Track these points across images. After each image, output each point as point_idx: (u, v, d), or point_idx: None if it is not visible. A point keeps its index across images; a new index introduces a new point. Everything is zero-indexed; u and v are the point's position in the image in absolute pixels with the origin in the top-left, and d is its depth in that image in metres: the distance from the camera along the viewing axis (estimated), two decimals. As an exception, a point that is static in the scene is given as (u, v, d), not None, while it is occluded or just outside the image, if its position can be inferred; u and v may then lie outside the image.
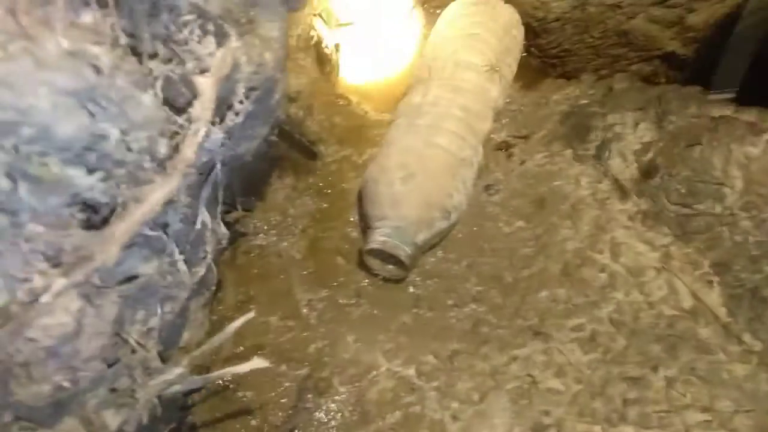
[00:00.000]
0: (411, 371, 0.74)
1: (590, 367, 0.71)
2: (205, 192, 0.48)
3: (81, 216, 0.31)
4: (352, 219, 0.88)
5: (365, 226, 0.84)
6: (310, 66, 0.93)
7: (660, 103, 0.87)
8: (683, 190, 0.78)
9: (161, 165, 0.34)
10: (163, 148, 0.33)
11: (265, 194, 0.85)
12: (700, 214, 0.76)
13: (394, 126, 0.86)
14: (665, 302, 0.74)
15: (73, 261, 0.31)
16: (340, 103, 0.95)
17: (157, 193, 0.34)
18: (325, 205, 0.88)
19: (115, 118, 0.29)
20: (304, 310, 0.80)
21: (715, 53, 0.88)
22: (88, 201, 0.31)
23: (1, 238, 0.27)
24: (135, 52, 0.32)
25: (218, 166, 0.47)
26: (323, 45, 0.94)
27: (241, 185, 0.71)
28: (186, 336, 0.60)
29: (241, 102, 0.45)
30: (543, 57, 1.07)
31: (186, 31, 0.37)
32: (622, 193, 0.83)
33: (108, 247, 0.32)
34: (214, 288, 0.65)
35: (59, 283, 0.31)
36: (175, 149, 0.36)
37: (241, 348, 0.76)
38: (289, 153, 0.87)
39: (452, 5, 0.96)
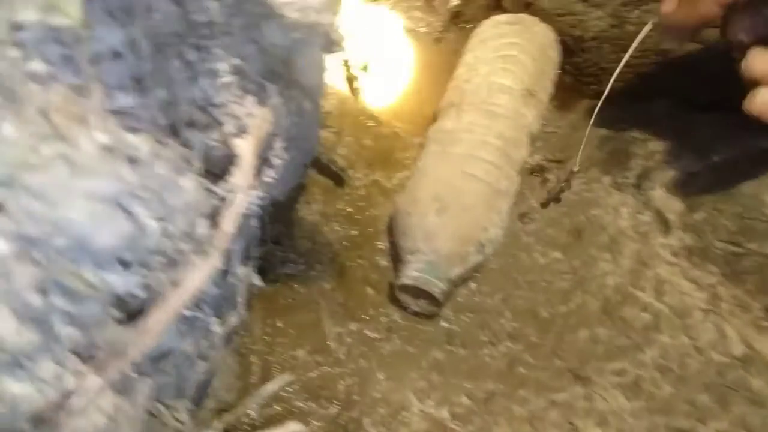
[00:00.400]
0: (444, 413, 0.72)
1: (634, 416, 0.68)
2: (239, 245, 0.45)
3: (116, 313, 0.28)
4: (381, 246, 0.85)
5: (396, 258, 0.81)
6: (335, 84, 0.90)
7: (705, 130, 0.83)
8: (732, 227, 0.74)
9: (200, 245, 0.31)
10: (202, 228, 0.31)
11: (293, 221, 0.83)
12: (751, 254, 0.72)
13: (426, 153, 0.82)
14: (714, 347, 0.70)
15: (106, 357, 0.28)
16: (369, 124, 0.92)
17: (196, 275, 0.31)
18: (354, 232, 0.85)
19: (155, 209, 0.27)
20: (333, 344, 0.77)
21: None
22: (124, 297, 0.28)
23: (31, 347, 0.25)
24: (173, 127, 0.29)
25: (252, 221, 0.44)
26: (350, 64, 0.91)
27: (269, 216, 0.69)
28: (215, 383, 0.57)
29: (279, 157, 0.42)
30: (578, 75, 1.03)
31: (225, 94, 0.34)
32: (665, 226, 0.79)
33: (144, 339, 0.29)
34: (246, 333, 0.63)
35: (93, 381, 0.28)
36: (214, 224, 0.33)
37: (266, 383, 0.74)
38: (317, 178, 0.84)
39: (485, 24, 0.92)
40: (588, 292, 0.78)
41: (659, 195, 0.81)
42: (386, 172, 0.90)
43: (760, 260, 0.71)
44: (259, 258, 0.62)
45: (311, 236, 0.83)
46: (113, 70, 0.24)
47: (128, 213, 0.25)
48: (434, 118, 0.89)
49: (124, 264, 0.27)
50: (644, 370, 0.70)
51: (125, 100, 0.25)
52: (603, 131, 0.90)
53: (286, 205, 0.81)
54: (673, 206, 0.79)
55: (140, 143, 0.25)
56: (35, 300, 0.24)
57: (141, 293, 0.29)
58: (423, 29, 1.04)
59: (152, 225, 0.27)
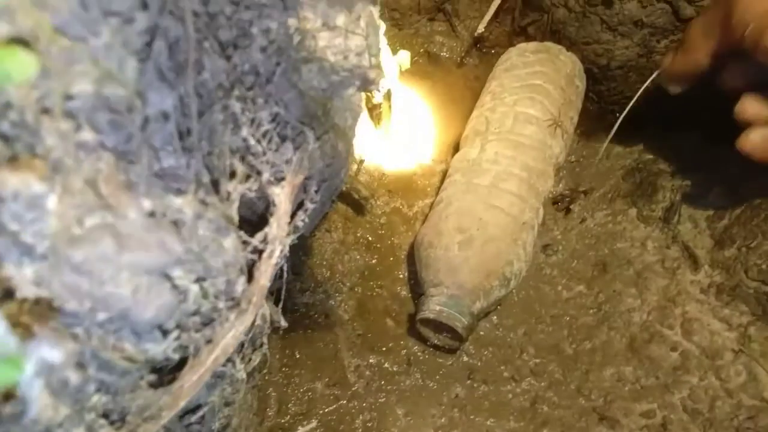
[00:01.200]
0: (465, 452, 0.70)
1: (662, 461, 0.66)
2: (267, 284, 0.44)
3: (150, 377, 0.27)
4: (401, 276, 0.84)
5: (417, 288, 0.80)
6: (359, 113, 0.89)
7: (735, 164, 0.81)
8: (763, 265, 0.72)
9: (236, 301, 0.30)
10: (240, 287, 0.29)
11: (312, 249, 0.81)
12: (785, 294, 0.70)
13: (450, 182, 0.81)
14: (745, 390, 0.68)
15: (139, 422, 0.27)
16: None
17: (231, 333, 0.30)
18: (374, 261, 0.84)
19: (196, 271, 0.26)
20: (352, 377, 0.75)
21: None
22: (160, 363, 0.27)
23: (64, 419, 0.24)
24: (215, 183, 0.28)
25: (283, 264, 0.43)
26: (372, 91, 0.90)
27: (290, 247, 0.67)
28: (234, 422, 0.56)
29: (312, 200, 0.41)
30: (603, 103, 1.02)
31: (264, 142, 0.33)
32: (694, 262, 0.77)
33: (177, 401, 0.28)
34: (265, 369, 0.61)
35: (123, 448, 0.27)
36: (250, 277, 0.32)
37: (287, 417, 0.72)
38: (337, 205, 0.83)
39: (511, 51, 0.91)
40: (614, 329, 0.76)
41: (687, 230, 0.79)
42: (407, 199, 0.89)
43: (794, 302, 0.69)
44: (280, 293, 0.60)
45: (330, 265, 0.81)
46: (161, 131, 0.23)
47: (171, 281, 0.24)
48: (458, 147, 0.88)
49: (163, 331, 0.25)
50: (673, 412, 0.68)
51: (172, 160, 0.24)
52: (629, 162, 0.89)
53: (306, 235, 0.79)
54: (701, 242, 0.78)
55: (184, 206, 0.24)
56: (74, 377, 0.22)
57: (176, 355, 0.27)
58: (445, 54, 1.03)
59: (193, 289, 0.26)
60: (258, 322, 0.45)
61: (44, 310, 0.20)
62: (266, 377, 0.74)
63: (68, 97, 0.19)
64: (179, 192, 0.24)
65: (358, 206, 0.84)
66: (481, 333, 0.79)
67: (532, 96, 0.83)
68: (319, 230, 0.82)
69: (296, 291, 0.79)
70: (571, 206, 0.88)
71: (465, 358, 0.77)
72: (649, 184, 0.85)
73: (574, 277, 0.82)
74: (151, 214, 0.23)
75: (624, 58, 0.91)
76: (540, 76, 0.84)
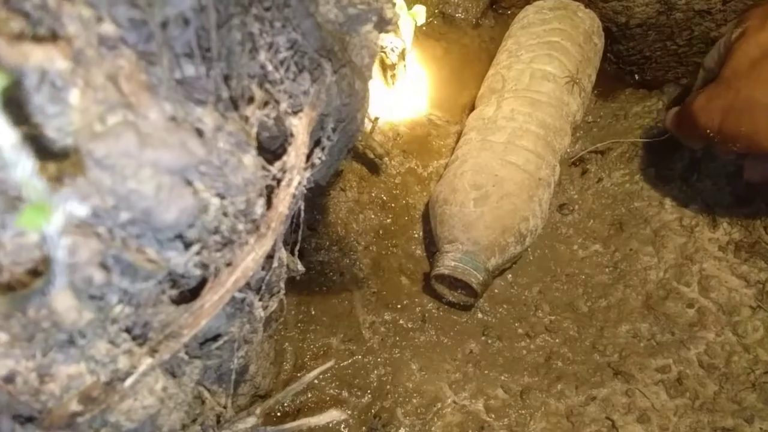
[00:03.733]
0: (479, 406, 0.70)
1: (677, 414, 0.66)
2: (283, 228, 0.44)
3: (172, 292, 0.27)
4: (416, 235, 0.84)
5: (432, 247, 0.80)
6: (374, 73, 0.88)
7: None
8: (785, 222, 0.71)
9: (255, 224, 0.30)
10: (259, 208, 0.29)
11: (327, 208, 0.81)
12: (805, 250, 0.69)
13: (465, 141, 0.80)
14: (762, 345, 0.68)
15: (160, 339, 0.27)
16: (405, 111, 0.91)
17: (251, 256, 0.30)
18: (388, 220, 0.84)
19: (216, 185, 0.26)
20: (367, 333, 0.76)
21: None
22: (181, 276, 0.27)
23: (87, 326, 0.24)
24: (234, 102, 0.28)
25: (300, 204, 0.43)
26: (387, 50, 0.89)
27: (305, 202, 0.67)
28: (252, 369, 0.56)
29: (329, 138, 0.41)
30: (620, 64, 1.00)
31: (282, 70, 0.32)
32: (713, 219, 0.76)
33: (198, 321, 0.28)
34: (281, 319, 0.62)
35: (145, 363, 0.27)
36: (268, 203, 0.32)
37: (303, 371, 0.73)
38: (352, 165, 0.83)
39: (527, 9, 0.90)
40: (629, 287, 0.76)
41: (707, 187, 0.78)
42: (422, 160, 0.88)
43: (815, 257, 0.69)
44: (297, 242, 0.61)
45: (345, 224, 0.81)
46: (182, 37, 0.23)
47: (192, 188, 0.24)
48: (473, 106, 0.87)
49: (185, 242, 0.26)
50: (688, 367, 0.68)
51: (192, 69, 0.24)
52: (647, 122, 0.88)
53: (321, 191, 0.80)
54: (721, 199, 0.77)
55: (205, 115, 0.24)
56: (97, 276, 0.22)
57: (197, 271, 0.28)
58: (461, 15, 1.01)
59: (214, 202, 0.26)
60: (275, 264, 0.45)
61: (75, 164, 0.20)
62: (282, 332, 0.74)
63: (89, -16, 0.19)
64: (199, 102, 0.24)
65: (372, 165, 0.84)
66: (496, 291, 0.79)
67: (549, 53, 0.81)
68: (334, 189, 0.82)
69: (311, 249, 0.79)
70: (588, 166, 0.87)
71: (479, 315, 0.77)
72: (668, 143, 0.84)
73: (590, 237, 0.82)
74: (173, 118, 0.23)
75: (644, 16, 0.89)
76: (557, 33, 0.83)
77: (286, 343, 0.74)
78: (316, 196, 0.78)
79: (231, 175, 0.26)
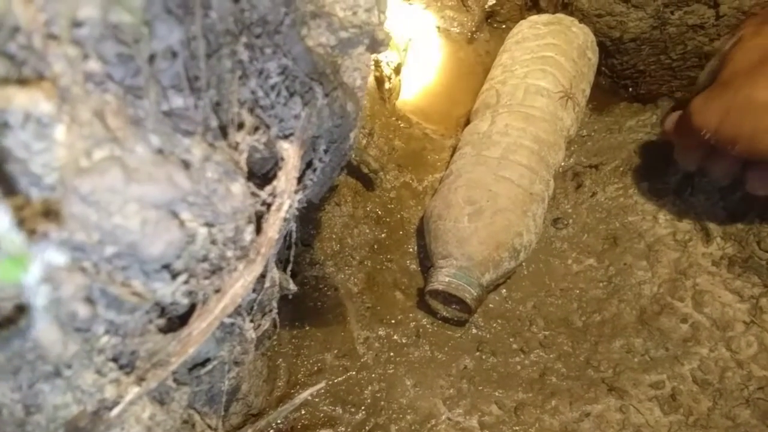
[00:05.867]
0: (473, 422, 0.70)
1: (671, 430, 0.66)
2: (275, 249, 0.44)
3: (159, 321, 0.27)
4: (411, 250, 0.84)
5: (426, 262, 0.80)
6: (369, 86, 0.88)
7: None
8: (778, 237, 0.72)
9: (244, 251, 0.30)
10: (248, 235, 0.29)
11: (322, 223, 0.81)
12: (798, 266, 0.70)
13: (460, 155, 0.81)
14: (756, 361, 0.67)
15: (148, 367, 0.27)
16: (401, 125, 0.91)
17: (239, 282, 0.30)
18: (383, 235, 0.84)
19: (204, 215, 0.26)
20: (361, 349, 0.76)
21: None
22: (169, 306, 0.27)
23: (73, 357, 0.24)
24: (223, 130, 0.28)
25: (292, 225, 0.43)
26: (382, 64, 0.89)
27: (300, 218, 0.68)
28: (244, 388, 0.56)
29: (321, 159, 0.41)
30: (614, 77, 1.01)
31: (273, 95, 0.32)
32: (706, 234, 0.76)
33: (186, 348, 0.28)
34: (275, 337, 0.61)
35: (132, 392, 0.27)
36: (258, 229, 0.32)
37: (297, 387, 0.72)
38: (347, 179, 0.83)
39: (522, 24, 0.90)
40: (624, 301, 0.76)
41: (700, 202, 0.78)
42: (417, 174, 0.88)
43: (808, 273, 0.69)
44: (289, 260, 0.60)
45: (340, 238, 0.81)
46: (169, 70, 0.23)
47: (179, 220, 0.24)
48: (468, 120, 0.87)
49: (172, 272, 0.26)
50: (682, 383, 0.68)
51: (180, 101, 0.24)
52: (641, 136, 0.88)
53: (316, 207, 0.80)
54: (714, 214, 0.77)
55: (193, 146, 0.24)
56: (82, 310, 0.22)
57: (184, 300, 0.27)
58: (456, 29, 1.02)
59: (202, 232, 0.26)
60: (267, 284, 0.45)
61: (52, 214, 0.20)
62: (276, 348, 0.74)
63: (75, 24, 0.19)
64: (187, 133, 0.24)
65: (367, 180, 0.84)
66: (490, 305, 0.79)
67: (543, 68, 0.82)
68: (329, 203, 0.82)
69: (306, 264, 0.79)
70: (582, 180, 0.87)
71: (474, 330, 0.77)
72: (662, 157, 0.84)
73: (585, 251, 0.82)
74: (159, 151, 0.23)
75: (637, 30, 0.90)
76: (551, 48, 0.84)
77: (280, 360, 0.74)
78: (310, 211, 0.78)
79: (219, 204, 0.26)
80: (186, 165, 0.24)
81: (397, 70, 0.88)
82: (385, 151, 0.87)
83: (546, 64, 0.82)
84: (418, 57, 0.98)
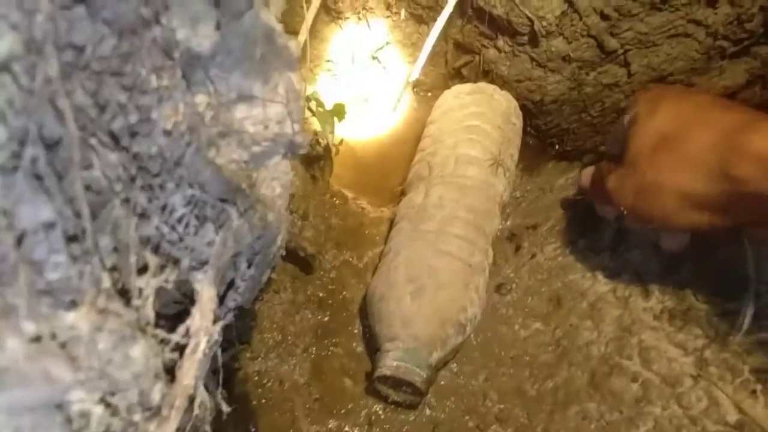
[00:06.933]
0: None
1: (636, 500, 0.64)
2: (202, 371, 0.40)
3: None
4: (356, 331, 0.81)
5: (373, 343, 0.77)
6: (298, 165, 0.87)
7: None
8: (714, 286, 0.73)
9: (154, 411, 0.27)
10: (157, 394, 0.27)
11: (261, 313, 0.78)
12: (734, 313, 0.71)
13: (397, 230, 0.80)
14: (708, 416, 0.67)
15: None
16: (336, 202, 0.90)
17: (152, 445, 0.27)
18: (326, 318, 0.81)
19: (99, 388, 0.23)
20: (312, 445, 0.72)
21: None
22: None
23: None
24: (120, 285, 0.25)
25: (217, 348, 0.40)
26: (315, 141, 0.88)
27: (234, 317, 0.64)
28: None
29: (243, 278, 0.39)
30: (540, 137, 1.03)
31: (180, 228, 0.30)
32: (644, 289, 0.77)
33: None
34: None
35: None
36: (171, 378, 0.29)
37: (245, 497, 0.68)
38: (285, 265, 0.80)
39: (446, 94, 0.91)
40: (574, 364, 0.75)
41: (635, 256, 0.79)
42: (356, 251, 0.87)
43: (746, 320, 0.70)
44: (225, 365, 0.57)
45: (281, 327, 0.78)
46: (44, 243, 0.21)
47: (64, 414, 0.21)
48: (402, 192, 0.87)
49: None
50: (641, 447, 0.67)
51: (58, 272, 0.21)
52: (572, 193, 0.90)
53: (246, 307, 0.76)
54: (650, 268, 0.78)
55: (78, 321, 0.22)
56: None
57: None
58: (382, 100, 1.03)
59: (96, 411, 0.23)
60: (196, 411, 0.42)
61: None
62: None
63: None
64: (72, 305, 0.22)
65: (305, 263, 0.81)
66: (442, 383, 0.76)
67: (471, 137, 0.83)
68: (267, 292, 0.79)
69: (246, 359, 0.75)
70: (520, 242, 0.87)
71: (428, 411, 0.74)
72: (593, 213, 0.86)
73: (530, 315, 0.81)
74: (36, 339, 0.20)
75: (557, 93, 0.93)
76: (477, 116, 0.85)
77: (227, 470, 0.69)
78: (244, 309, 0.74)
79: (117, 373, 0.23)
80: (71, 344, 0.21)
81: (327, 148, 0.87)
82: (322, 231, 0.86)
83: (473, 133, 0.83)
84: (347, 130, 0.98)
